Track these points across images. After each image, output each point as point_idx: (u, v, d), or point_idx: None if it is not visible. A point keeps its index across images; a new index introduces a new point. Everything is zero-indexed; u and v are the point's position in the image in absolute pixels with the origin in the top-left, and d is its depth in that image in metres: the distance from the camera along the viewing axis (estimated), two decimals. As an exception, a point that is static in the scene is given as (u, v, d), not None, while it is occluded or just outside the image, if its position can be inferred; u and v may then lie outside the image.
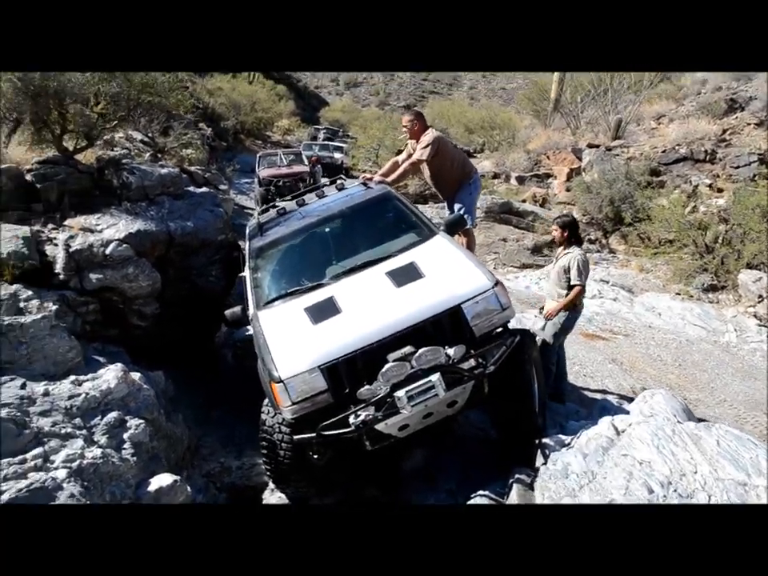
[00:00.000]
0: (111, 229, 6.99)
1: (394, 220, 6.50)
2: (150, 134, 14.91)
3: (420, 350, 4.65)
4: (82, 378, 5.38)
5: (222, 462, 6.55)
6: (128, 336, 7.01)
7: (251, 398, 7.89)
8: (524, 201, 19.36)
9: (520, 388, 5.33)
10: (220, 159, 22.87)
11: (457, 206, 7.72)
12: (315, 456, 4.97)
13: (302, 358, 4.82)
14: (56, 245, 6.65)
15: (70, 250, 6.58)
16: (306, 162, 20.56)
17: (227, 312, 6.06)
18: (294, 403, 4.73)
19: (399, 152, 22.55)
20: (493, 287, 5.04)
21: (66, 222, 7.01)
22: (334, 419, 4.66)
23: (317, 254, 6.31)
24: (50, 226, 6.94)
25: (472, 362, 4.83)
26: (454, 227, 6.38)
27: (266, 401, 5.31)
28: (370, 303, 5.15)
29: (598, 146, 19.68)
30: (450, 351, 4.71)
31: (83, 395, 5.08)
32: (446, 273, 5.30)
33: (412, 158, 7.43)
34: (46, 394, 4.93)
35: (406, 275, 5.32)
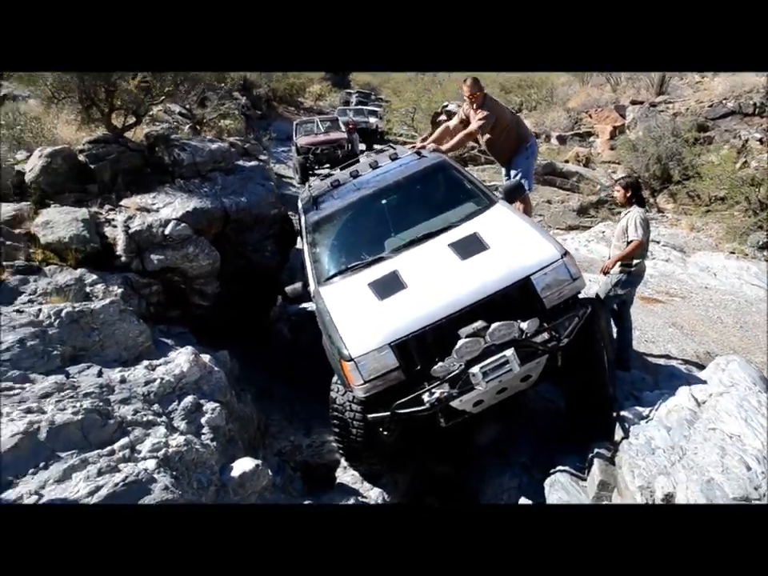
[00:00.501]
0: (168, 208, 6.93)
1: (450, 189, 6.37)
2: (187, 106, 14.83)
3: (493, 325, 4.56)
4: (154, 362, 5.35)
5: (293, 441, 6.52)
6: (190, 316, 6.99)
7: (309, 372, 7.91)
8: (567, 161, 18.98)
9: (592, 359, 5.22)
10: (256, 128, 22.71)
11: (513, 172, 7.58)
12: (385, 432, 4.94)
13: (371, 336, 4.76)
14: (115, 226, 6.60)
15: (130, 231, 6.53)
16: (343, 128, 20.30)
17: (288, 288, 6.08)
18: (365, 381, 4.70)
19: (436, 114, 22.24)
20: (562, 257, 4.91)
21: (122, 203, 6.97)
22: (409, 397, 4.62)
23: (374, 227, 6.19)
24: (107, 206, 6.89)
25: (545, 336, 4.72)
26: (513, 194, 6.25)
27: (335, 378, 5.29)
28: (436, 277, 5.06)
29: (641, 103, 19.11)
30: (524, 325, 4.62)
31: (158, 380, 5.04)
32: (511, 243, 5.18)
33: (470, 128, 7.27)
34: (123, 380, 4.90)
35: (470, 247, 5.21)
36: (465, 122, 7.70)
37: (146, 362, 5.32)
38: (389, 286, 5.11)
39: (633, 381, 6.55)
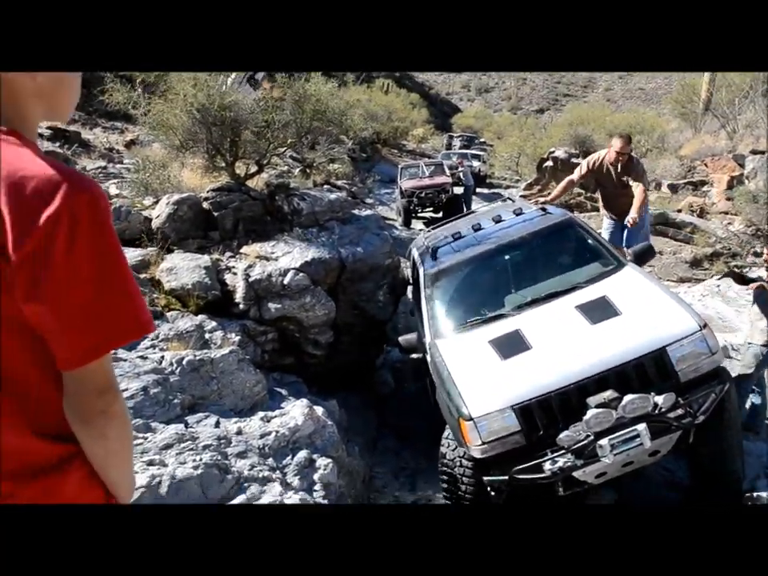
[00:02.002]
0: (287, 257, 7.01)
1: (577, 248, 6.16)
2: (298, 150, 15.23)
3: (627, 398, 4.32)
4: (270, 414, 5.35)
5: (397, 496, 6.33)
6: (302, 365, 7.01)
7: (414, 422, 7.78)
8: (679, 211, 18.24)
9: (723, 437, 4.86)
10: (360, 170, 23.08)
11: (634, 231, 7.37)
12: (493, 494, 4.75)
13: (494, 397, 4.60)
14: (234, 274, 6.73)
15: (250, 279, 6.63)
16: (448, 173, 20.36)
17: (401, 339, 6.04)
18: (484, 443, 4.52)
19: (543, 160, 21.99)
20: (701, 329, 4.60)
21: (242, 250, 7.10)
22: (530, 464, 4.44)
23: (495, 282, 6.09)
24: (228, 254, 7.05)
25: (679, 411, 4.43)
26: (644, 257, 6.02)
27: (446, 433, 5.14)
28: (564, 340, 4.85)
29: (762, 152, 18.22)
30: (659, 399, 4.35)
31: (273, 434, 5.02)
32: (645, 311, 4.92)
33: (642, 190, 7.06)
34: (239, 432, 4.91)
35: (600, 311, 4.97)
36: (585, 176, 7.54)
37: (261, 413, 5.32)
38: (512, 345, 4.95)
39: (760, 454, 6.10)
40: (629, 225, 6.90)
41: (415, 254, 7.03)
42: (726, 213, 17.96)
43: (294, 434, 5.18)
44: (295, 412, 5.41)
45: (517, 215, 6.66)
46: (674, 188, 20.32)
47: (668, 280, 15.03)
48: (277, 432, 5.07)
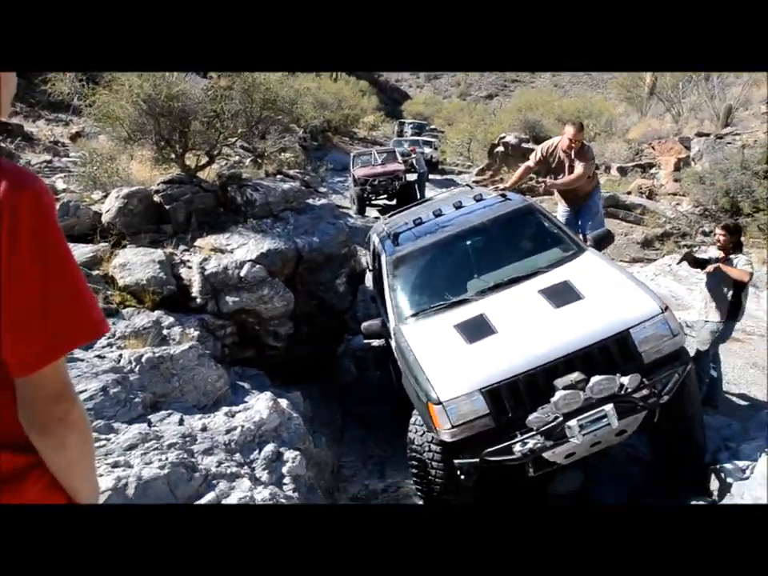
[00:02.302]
0: (242, 249, 6.89)
1: (537, 234, 6.23)
2: (249, 139, 15.01)
3: (594, 379, 4.39)
4: (234, 408, 5.26)
5: (367, 485, 6.30)
6: (263, 357, 6.92)
7: (376, 410, 7.77)
8: (629, 193, 18.57)
9: (686, 413, 5.01)
10: (312, 159, 22.90)
11: (586, 214, 7.47)
12: (463, 477, 4.79)
13: (462, 380, 4.64)
14: (190, 267, 6.59)
15: (206, 272, 6.50)
16: (400, 160, 20.31)
17: (364, 325, 6.03)
18: (453, 426, 4.55)
19: (493, 146, 22.04)
20: (662, 312, 4.71)
21: (196, 243, 6.97)
22: (500, 446, 4.50)
23: (457, 267, 6.11)
24: (181, 247, 6.90)
25: (644, 391, 4.53)
26: (603, 242, 6.10)
27: (414, 419, 5.17)
28: (529, 324, 4.91)
29: (707, 135, 18.61)
30: (625, 380, 4.44)
31: (239, 428, 4.93)
32: (608, 295, 5.00)
33: (578, 175, 7.09)
34: (204, 429, 4.81)
35: (563, 295, 5.04)
36: (540, 162, 7.57)
37: (225, 408, 5.24)
38: (477, 329, 4.98)
39: (719, 426, 6.24)
40: (541, 187, 7.46)
41: (375, 240, 7.00)
42: (675, 194, 18.30)
43: (259, 427, 5.10)
44: (259, 405, 5.33)
45: (477, 201, 6.66)
46: (623, 171, 20.63)
47: (621, 260, 15.29)
48: (242, 427, 4.98)
